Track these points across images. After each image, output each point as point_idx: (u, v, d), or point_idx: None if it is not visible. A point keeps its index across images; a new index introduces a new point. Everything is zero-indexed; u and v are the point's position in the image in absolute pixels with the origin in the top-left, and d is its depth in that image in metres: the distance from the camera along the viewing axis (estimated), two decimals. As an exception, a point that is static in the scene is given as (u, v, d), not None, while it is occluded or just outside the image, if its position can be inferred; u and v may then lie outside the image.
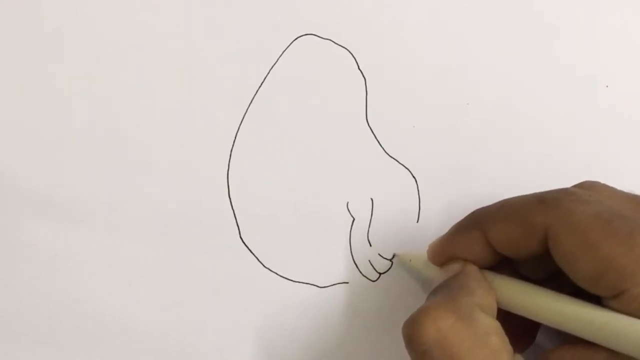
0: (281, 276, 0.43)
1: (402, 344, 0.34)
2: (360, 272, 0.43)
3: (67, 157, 0.44)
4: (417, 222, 0.44)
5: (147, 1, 0.46)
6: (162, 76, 0.45)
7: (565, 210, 0.33)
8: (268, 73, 0.45)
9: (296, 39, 0.46)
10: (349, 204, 0.44)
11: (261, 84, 0.45)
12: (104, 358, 0.43)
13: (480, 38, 0.46)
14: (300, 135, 0.45)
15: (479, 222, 0.37)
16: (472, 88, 0.45)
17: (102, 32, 0.46)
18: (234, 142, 0.45)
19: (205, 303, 0.43)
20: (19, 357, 0.43)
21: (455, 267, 0.37)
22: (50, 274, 0.43)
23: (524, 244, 0.35)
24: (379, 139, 0.45)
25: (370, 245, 0.44)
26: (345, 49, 0.46)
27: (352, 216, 0.44)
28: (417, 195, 0.44)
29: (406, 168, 0.44)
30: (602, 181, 0.37)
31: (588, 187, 0.36)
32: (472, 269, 0.37)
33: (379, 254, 0.44)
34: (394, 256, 0.43)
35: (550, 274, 0.37)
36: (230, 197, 0.44)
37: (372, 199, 0.44)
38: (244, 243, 0.44)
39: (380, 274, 0.44)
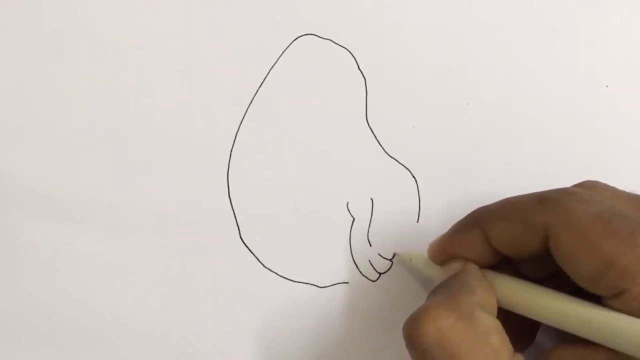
0: (281, 276, 0.43)
1: (402, 343, 0.34)
2: (360, 272, 0.43)
3: (67, 157, 0.44)
4: (417, 222, 0.44)
5: (147, 1, 0.46)
6: (162, 76, 0.45)
7: (565, 209, 0.33)
8: (268, 73, 0.45)
9: (296, 39, 0.46)
10: (349, 204, 0.44)
11: (261, 84, 0.45)
12: (104, 358, 0.43)
13: (480, 38, 0.46)
14: (300, 135, 0.45)
15: (479, 221, 0.37)
16: (472, 88, 0.45)
17: (102, 32, 0.46)
18: (234, 142, 0.45)
19: (205, 303, 0.43)
20: (19, 357, 0.43)
21: (455, 266, 0.37)
22: (50, 274, 0.43)
23: (524, 243, 0.35)
24: (379, 139, 0.45)
25: (370, 245, 0.44)
26: (345, 49, 0.46)
27: (352, 216, 0.44)
28: (417, 195, 0.44)
29: (406, 168, 0.44)
30: (603, 181, 0.37)
31: (589, 187, 0.36)
32: (473, 268, 0.37)
33: (379, 254, 0.44)
34: (394, 256, 0.43)
35: (550, 273, 0.37)
36: (230, 197, 0.44)
37: (372, 199, 0.44)
38: (244, 243, 0.44)
39: (380, 274, 0.44)
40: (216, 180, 0.44)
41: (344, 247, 0.44)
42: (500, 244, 0.36)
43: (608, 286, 0.32)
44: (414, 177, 0.44)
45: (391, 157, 0.45)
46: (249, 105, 0.45)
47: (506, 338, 0.33)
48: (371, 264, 0.44)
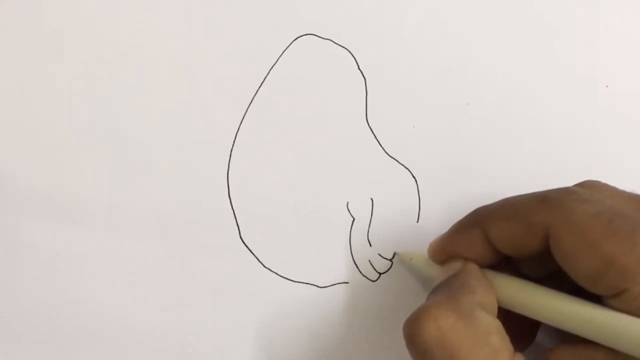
0: (281, 276, 0.43)
1: (402, 343, 0.34)
2: (360, 272, 0.43)
3: (67, 157, 0.44)
4: (417, 222, 0.44)
5: (147, 1, 0.46)
6: (162, 76, 0.45)
7: (566, 209, 0.33)
8: (268, 73, 0.45)
9: (296, 39, 0.46)
10: (349, 204, 0.44)
11: (261, 84, 0.45)
12: (104, 358, 0.43)
13: (480, 38, 0.46)
14: (300, 135, 0.45)
15: (479, 220, 0.37)
16: (472, 88, 0.45)
17: (102, 32, 0.46)
18: (234, 142, 0.45)
19: (205, 303, 0.43)
20: (19, 357, 0.43)
21: (456, 265, 0.37)
22: (50, 274, 0.43)
23: (524, 243, 0.35)
24: (379, 139, 0.45)
25: (370, 245, 0.44)
26: (345, 49, 0.46)
27: (352, 216, 0.44)
28: (417, 195, 0.44)
29: (406, 168, 0.44)
30: (603, 181, 0.37)
31: (589, 187, 0.36)
32: (473, 267, 0.37)
33: (379, 254, 0.44)
34: (394, 256, 0.43)
35: (550, 273, 0.37)
36: (230, 197, 0.44)
37: (372, 199, 0.44)
38: (244, 243, 0.44)
39: (380, 274, 0.44)
40: (216, 180, 0.44)
41: (344, 247, 0.44)
42: (500, 243, 0.36)
43: (608, 286, 0.32)
44: (414, 177, 0.44)
45: (391, 157, 0.45)
46: (249, 105, 0.45)
47: (506, 338, 0.33)
48: (371, 264, 0.44)
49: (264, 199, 0.44)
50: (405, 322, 0.34)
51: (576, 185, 0.37)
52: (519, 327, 0.37)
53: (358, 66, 0.46)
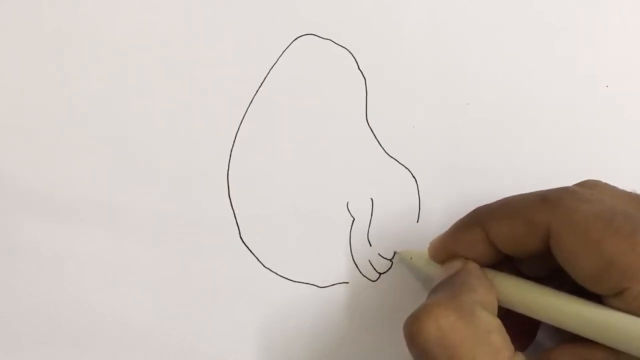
0: (281, 276, 0.43)
1: (403, 343, 0.34)
2: (360, 272, 0.43)
3: (67, 157, 0.44)
4: (417, 222, 0.44)
5: (147, 1, 0.46)
6: (162, 76, 0.45)
7: (567, 208, 0.33)
8: (268, 73, 0.45)
9: (296, 39, 0.46)
10: (349, 204, 0.44)
11: (261, 84, 0.45)
12: (104, 358, 0.43)
13: (480, 38, 0.46)
14: (300, 135, 0.45)
15: (480, 219, 0.37)
16: (472, 88, 0.45)
17: (102, 32, 0.46)
18: (234, 142, 0.45)
19: (205, 303, 0.43)
20: (19, 357, 0.43)
21: (456, 264, 0.37)
22: (50, 274, 0.43)
23: (525, 242, 0.35)
24: (379, 139, 0.45)
25: (370, 245, 0.44)
26: (345, 49, 0.46)
27: (352, 216, 0.44)
28: (417, 195, 0.44)
29: (406, 168, 0.44)
30: (603, 181, 0.37)
31: (590, 186, 0.36)
32: (473, 266, 0.37)
33: (379, 254, 0.44)
34: (394, 255, 0.43)
35: (551, 272, 0.37)
36: (230, 197, 0.44)
37: (372, 199, 0.44)
38: (244, 243, 0.44)
39: (380, 274, 0.44)
40: (216, 180, 0.44)
41: (344, 247, 0.44)
42: (501, 242, 0.36)
43: (609, 285, 0.32)
44: (414, 177, 0.44)
45: (391, 157, 0.45)
46: (249, 105, 0.45)
47: (507, 337, 0.33)
48: (371, 264, 0.44)
49: (264, 199, 0.44)
50: (405, 321, 0.34)
51: (577, 184, 0.37)
52: (520, 327, 0.37)
53: (358, 66, 0.46)
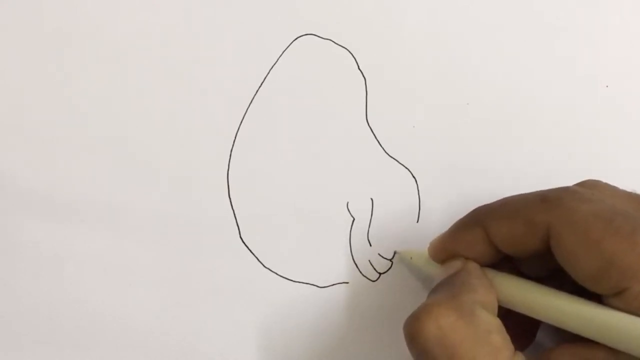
0: (281, 276, 0.43)
1: (402, 344, 0.34)
2: (360, 272, 0.43)
3: (67, 157, 0.44)
4: (417, 222, 0.44)
5: (147, 1, 0.46)
6: (162, 76, 0.45)
7: (567, 208, 0.33)
8: (268, 73, 0.45)
9: (296, 39, 0.46)
10: (349, 204, 0.44)
11: (261, 84, 0.45)
12: (104, 358, 0.43)
13: (480, 38, 0.46)
14: (300, 135, 0.45)
15: (480, 219, 0.37)
16: (472, 88, 0.45)
17: (102, 32, 0.46)
18: (234, 142, 0.45)
19: (205, 303, 0.43)
20: (19, 357, 0.43)
21: (456, 264, 0.37)
22: (50, 274, 0.43)
23: (525, 242, 0.35)
24: (379, 139, 0.45)
25: (370, 245, 0.44)
26: (345, 49, 0.46)
27: (352, 216, 0.44)
28: (417, 195, 0.44)
29: (406, 168, 0.44)
30: (603, 181, 0.37)
31: (590, 186, 0.36)
32: (473, 266, 0.37)
33: (379, 254, 0.44)
34: (394, 255, 0.43)
35: (551, 272, 0.37)
36: (230, 197, 0.44)
37: (372, 199, 0.44)
38: (244, 243, 0.44)
39: (380, 274, 0.44)
40: (216, 180, 0.44)
41: (344, 247, 0.44)
42: (501, 242, 0.36)
43: (609, 285, 0.32)
44: (414, 177, 0.44)
45: (391, 157, 0.45)
46: (249, 105, 0.45)
47: (507, 337, 0.33)
48: (371, 264, 0.44)
49: (264, 199, 0.44)
50: (405, 321, 0.34)
51: (577, 184, 0.37)
52: (520, 326, 0.37)
53: (358, 66, 0.46)
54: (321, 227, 0.44)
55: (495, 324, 0.33)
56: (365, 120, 0.45)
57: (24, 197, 0.44)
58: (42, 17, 0.46)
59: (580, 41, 0.46)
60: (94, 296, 0.43)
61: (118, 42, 0.46)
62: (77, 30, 0.46)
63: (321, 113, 0.45)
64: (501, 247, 0.36)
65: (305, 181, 0.44)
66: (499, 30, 0.46)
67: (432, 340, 0.32)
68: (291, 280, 0.43)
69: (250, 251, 0.43)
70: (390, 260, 0.43)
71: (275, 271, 0.43)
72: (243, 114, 0.45)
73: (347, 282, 0.43)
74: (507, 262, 0.37)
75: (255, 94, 0.45)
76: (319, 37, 0.46)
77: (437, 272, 0.38)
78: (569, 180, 0.37)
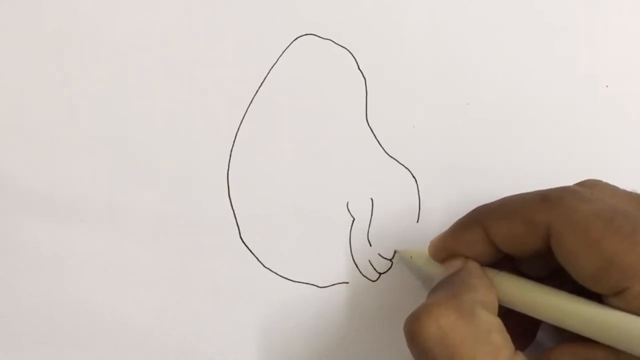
0: (281, 276, 0.43)
1: (402, 343, 0.34)
2: (360, 272, 0.43)
3: (67, 157, 0.44)
4: (417, 222, 0.44)
5: (147, 1, 0.46)
6: (162, 76, 0.45)
7: (567, 208, 0.33)
8: (268, 73, 0.45)
9: (296, 39, 0.46)
10: (349, 204, 0.44)
11: (261, 84, 0.45)
12: (104, 358, 0.43)
13: (480, 38, 0.46)
14: (300, 135, 0.45)
15: (480, 219, 0.36)
16: (472, 88, 0.45)
17: (102, 32, 0.46)
18: (234, 142, 0.45)
19: (205, 303, 0.43)
20: (19, 357, 0.43)
21: (456, 263, 0.37)
22: (50, 274, 0.43)
23: (525, 242, 0.35)
24: (379, 139, 0.45)
25: (370, 245, 0.44)
26: (345, 49, 0.46)
27: (352, 216, 0.44)
28: (417, 195, 0.44)
29: (406, 168, 0.44)
30: (603, 181, 0.37)
31: (590, 186, 0.36)
32: (474, 265, 0.37)
33: (379, 254, 0.44)
34: (394, 255, 0.43)
35: (551, 272, 0.37)
36: (230, 197, 0.44)
37: (372, 199, 0.44)
38: (244, 243, 0.44)
39: (380, 274, 0.43)
40: (216, 180, 0.44)
41: (344, 247, 0.44)
42: (501, 242, 0.36)
43: (609, 284, 0.32)
44: (414, 177, 0.44)
45: (391, 157, 0.45)
46: (249, 105, 0.45)
47: (507, 336, 0.33)
48: (371, 264, 0.44)
49: (264, 199, 0.44)
50: (406, 320, 0.34)
51: (577, 184, 0.37)
52: (520, 326, 0.37)
53: (358, 66, 0.46)
54: (321, 227, 0.44)
55: (496, 323, 0.33)
56: (365, 120, 0.45)
57: (24, 197, 0.44)
58: (42, 17, 0.46)
59: (580, 41, 0.46)
60: (94, 296, 0.43)
61: (118, 42, 0.46)
62: (77, 30, 0.46)
63: (321, 113, 0.45)
64: (501, 246, 0.36)
65: (305, 181, 0.44)
66: (499, 30, 0.46)
67: (433, 339, 0.32)
68: (291, 280, 0.43)
69: (250, 251, 0.43)
70: (390, 260, 0.43)
71: (275, 271, 0.43)
72: (243, 114, 0.45)
73: (347, 282, 0.43)
74: (507, 262, 0.37)
75: (255, 94, 0.45)
76: (319, 37, 0.46)
77: (437, 272, 0.38)
78: (569, 180, 0.37)
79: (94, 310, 0.43)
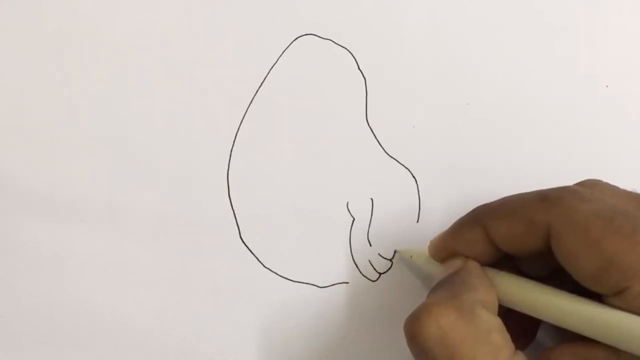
0: (281, 276, 0.43)
1: (402, 343, 0.34)
2: (360, 272, 0.43)
3: (67, 157, 0.44)
4: (417, 222, 0.44)
5: (147, 1, 0.46)
6: (162, 76, 0.45)
7: (567, 208, 0.33)
8: (268, 73, 0.45)
9: (296, 39, 0.46)
10: (349, 204, 0.44)
11: (261, 84, 0.45)
12: (104, 358, 0.43)
13: (480, 38, 0.46)
14: (300, 135, 0.45)
15: (480, 218, 0.36)
16: (472, 88, 0.45)
17: (102, 32, 0.46)
18: (234, 142, 0.45)
19: (205, 303, 0.43)
20: (19, 357, 0.43)
21: (456, 263, 0.37)
22: (50, 274, 0.43)
23: (525, 241, 0.35)
24: (379, 139, 0.45)
25: (370, 245, 0.44)
26: (345, 49, 0.46)
27: (352, 216, 0.44)
28: (417, 195, 0.44)
29: (406, 168, 0.44)
30: (603, 180, 0.37)
31: (590, 185, 0.36)
32: (474, 265, 0.37)
33: (379, 254, 0.44)
34: (394, 255, 0.43)
35: (551, 272, 0.37)
36: (230, 197, 0.44)
37: (372, 199, 0.44)
38: (244, 243, 0.44)
39: (380, 274, 0.43)
40: (216, 180, 0.44)
41: (344, 247, 0.44)
42: (501, 241, 0.36)
43: (609, 284, 0.32)
44: (414, 177, 0.44)
45: (391, 157, 0.45)
46: (249, 105, 0.45)
47: (507, 336, 0.33)
48: (371, 264, 0.44)
49: (264, 199, 0.44)
50: (406, 320, 0.34)
51: (577, 184, 0.37)
52: (520, 325, 0.37)
53: (358, 66, 0.46)
54: (321, 227, 0.44)
55: (496, 323, 0.33)
56: (365, 120, 0.45)
57: (24, 197, 0.44)
58: (42, 17, 0.46)
59: (580, 41, 0.46)
60: (94, 296, 0.43)
61: (118, 42, 0.46)
62: (77, 30, 0.46)
63: (321, 113, 0.45)
64: (501, 246, 0.36)
65: (305, 181, 0.44)
66: (499, 30, 0.46)
67: (433, 339, 0.32)
68: (291, 280, 0.43)
69: (250, 251, 0.43)
70: (390, 260, 0.43)
71: (275, 271, 0.43)
72: (243, 114, 0.45)
73: (347, 282, 0.43)
74: (507, 261, 0.37)
75: (255, 94, 0.45)
76: (319, 37, 0.46)
77: (437, 271, 0.38)
78: (569, 180, 0.37)
79: (94, 310, 0.43)
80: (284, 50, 0.46)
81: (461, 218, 0.38)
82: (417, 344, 0.33)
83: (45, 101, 0.45)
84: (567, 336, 0.34)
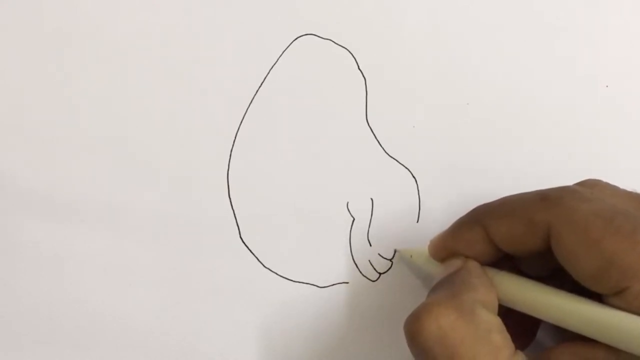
0: (281, 276, 0.43)
1: (402, 343, 0.34)
2: (360, 272, 0.43)
3: (67, 157, 0.44)
4: (417, 222, 0.44)
5: (147, 1, 0.46)
6: (162, 76, 0.45)
7: (567, 208, 0.33)
8: (268, 73, 0.45)
9: (296, 39, 0.46)
10: (349, 204, 0.44)
11: (261, 84, 0.45)
12: (104, 358, 0.43)
13: (480, 38, 0.46)
14: (300, 135, 0.45)
15: (480, 218, 0.36)
16: (472, 88, 0.45)
17: (102, 32, 0.46)
18: (234, 142, 0.45)
19: (205, 303, 0.43)
20: (19, 357, 0.43)
21: (456, 263, 0.37)
22: (50, 274, 0.43)
23: (525, 241, 0.35)
24: (379, 139, 0.45)
25: (370, 245, 0.44)
26: (345, 49, 0.46)
27: (352, 216, 0.44)
28: (417, 195, 0.44)
29: (406, 168, 0.44)
30: (603, 180, 0.37)
31: (590, 185, 0.36)
32: (474, 265, 0.37)
33: (379, 254, 0.44)
34: (394, 255, 0.43)
35: (551, 272, 0.37)
36: (230, 197, 0.44)
37: (372, 199, 0.44)
38: (244, 243, 0.44)
39: (380, 274, 0.43)
40: (216, 180, 0.44)
41: (344, 247, 0.44)
42: (501, 241, 0.36)
43: (609, 284, 0.32)
44: (414, 177, 0.44)
45: (391, 157, 0.45)
46: (249, 105, 0.45)
47: (507, 336, 0.33)
48: (371, 264, 0.43)
49: (264, 199, 0.44)
50: (406, 320, 0.34)
51: (577, 184, 0.37)
52: (520, 325, 0.37)
53: (358, 66, 0.46)
54: (321, 227, 0.44)
55: (496, 322, 0.33)
56: (365, 120, 0.45)
57: (24, 197, 0.44)
58: (42, 17, 0.46)
59: (580, 41, 0.46)
60: (94, 296, 0.43)
61: (118, 42, 0.46)
62: (77, 30, 0.46)
63: (321, 113, 0.45)
64: (501, 246, 0.36)
65: (305, 181, 0.44)
66: (499, 30, 0.46)
67: (433, 339, 0.32)
68: (291, 280, 0.43)
69: (250, 251, 0.43)
70: (390, 260, 0.43)
71: (275, 271, 0.43)
72: (243, 114, 0.45)
73: (347, 282, 0.43)
74: (507, 261, 0.37)
75: (255, 94, 0.45)
76: (319, 37, 0.46)
77: (437, 271, 0.38)
78: (569, 180, 0.37)
79: (94, 310, 0.43)
80: (284, 50, 0.46)
81: (461, 218, 0.38)
82: (417, 344, 0.33)
83: (45, 101, 0.45)
84: (567, 336, 0.34)
